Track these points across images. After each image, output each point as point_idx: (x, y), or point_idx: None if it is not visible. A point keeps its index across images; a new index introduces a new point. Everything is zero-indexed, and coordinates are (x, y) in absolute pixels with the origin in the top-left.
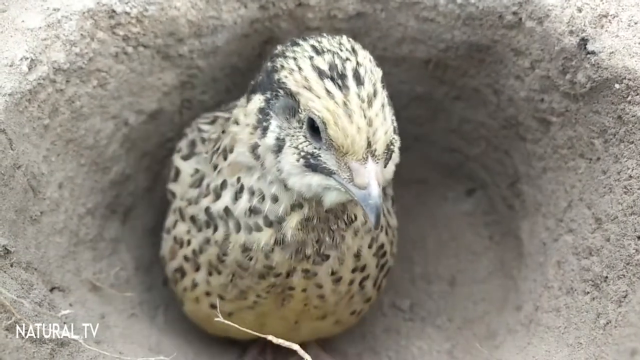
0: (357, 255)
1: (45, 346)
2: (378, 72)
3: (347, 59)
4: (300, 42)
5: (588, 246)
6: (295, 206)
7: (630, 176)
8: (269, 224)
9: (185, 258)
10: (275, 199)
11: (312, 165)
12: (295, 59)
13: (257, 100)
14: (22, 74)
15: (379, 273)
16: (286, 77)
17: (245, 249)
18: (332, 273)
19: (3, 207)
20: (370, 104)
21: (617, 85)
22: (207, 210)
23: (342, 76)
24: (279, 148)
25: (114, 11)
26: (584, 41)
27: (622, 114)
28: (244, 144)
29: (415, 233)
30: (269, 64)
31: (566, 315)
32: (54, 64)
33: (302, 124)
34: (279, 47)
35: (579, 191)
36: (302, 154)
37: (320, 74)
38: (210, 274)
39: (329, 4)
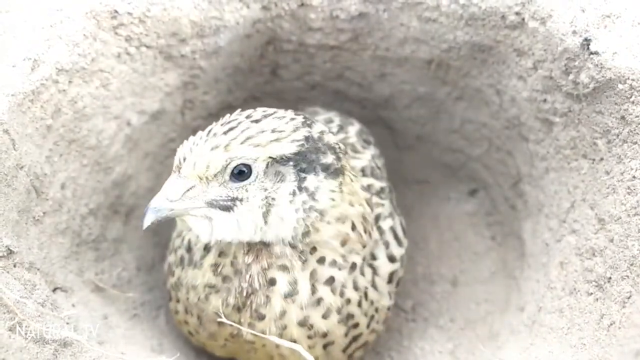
0: (305, 325)
1: (48, 347)
2: (266, 140)
3: (250, 115)
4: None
5: (591, 247)
6: (207, 246)
7: (634, 177)
8: (200, 262)
9: (172, 285)
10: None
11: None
12: None
13: None
14: (25, 74)
15: (350, 342)
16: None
17: (191, 287)
18: (281, 335)
19: (6, 207)
20: (207, 139)
21: (620, 86)
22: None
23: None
24: None
25: (116, 11)
26: (587, 41)
27: (625, 114)
28: None
29: (417, 233)
30: None
31: (569, 316)
32: (57, 65)
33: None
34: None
35: (581, 192)
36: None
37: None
38: (185, 311)
39: (332, 5)
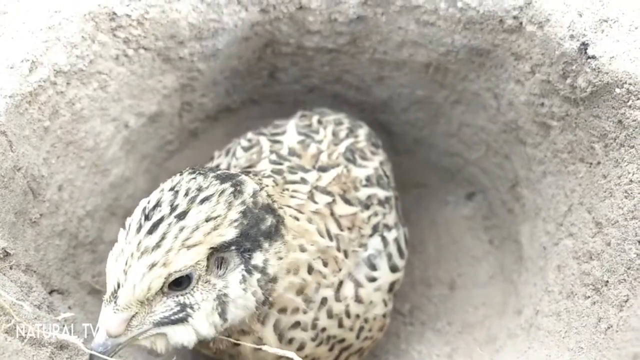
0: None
1: (44, 349)
2: (202, 233)
3: (173, 205)
4: (184, 171)
5: (588, 250)
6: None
7: (631, 180)
8: None
9: None
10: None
11: None
12: (162, 184)
13: None
14: (23, 75)
15: (341, 352)
16: None
17: None
18: None
19: (3, 209)
20: (140, 256)
21: (617, 90)
22: None
23: (147, 219)
24: None
25: (114, 13)
26: (584, 46)
27: (622, 118)
28: None
29: (415, 237)
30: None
31: (567, 320)
32: (55, 66)
33: None
34: (186, 167)
35: (579, 195)
36: None
37: (143, 209)
38: None
39: (330, 8)
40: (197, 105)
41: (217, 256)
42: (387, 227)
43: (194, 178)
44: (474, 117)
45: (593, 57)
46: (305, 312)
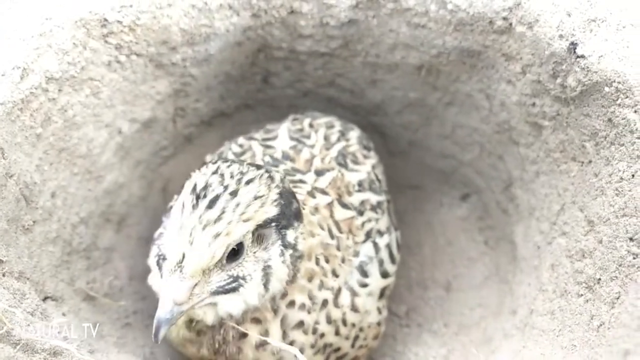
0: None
1: (37, 356)
2: (253, 209)
3: (225, 185)
4: (219, 161)
5: (581, 249)
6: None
7: (622, 178)
8: None
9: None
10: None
11: (159, 264)
12: (199, 171)
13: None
14: (14, 83)
15: None
16: (186, 182)
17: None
18: None
19: None
20: (204, 228)
21: (606, 89)
22: None
23: (203, 197)
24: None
25: (106, 20)
26: (573, 45)
27: (612, 116)
28: None
29: (410, 239)
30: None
31: (560, 318)
32: (47, 73)
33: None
34: (209, 157)
35: (571, 194)
36: (159, 252)
37: (193, 189)
38: None
39: (321, 12)
40: (191, 111)
41: (259, 232)
42: (380, 233)
43: (231, 165)
44: (467, 118)
45: (582, 57)
46: (309, 312)
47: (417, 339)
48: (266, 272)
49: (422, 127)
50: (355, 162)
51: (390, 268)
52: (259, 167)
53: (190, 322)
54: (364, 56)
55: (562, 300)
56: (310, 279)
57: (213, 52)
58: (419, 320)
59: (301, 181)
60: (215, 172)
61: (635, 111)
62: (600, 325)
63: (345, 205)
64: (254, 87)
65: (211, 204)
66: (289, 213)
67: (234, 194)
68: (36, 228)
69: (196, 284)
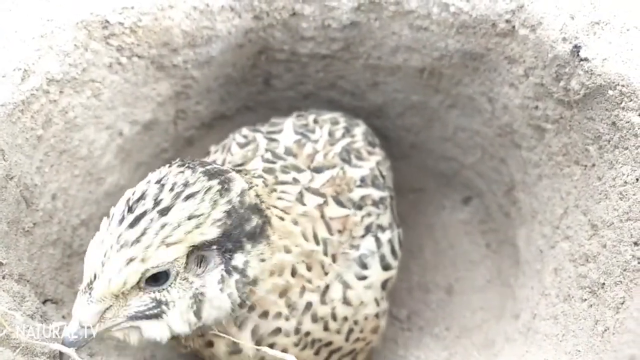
0: None
1: (37, 359)
2: (183, 231)
3: (157, 200)
4: (174, 163)
5: (584, 253)
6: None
7: (626, 182)
8: None
9: None
10: None
11: None
12: (149, 175)
13: None
14: (15, 84)
15: (330, 355)
16: None
17: None
18: None
19: None
20: (119, 249)
21: (610, 92)
22: None
23: (130, 211)
24: None
25: (107, 21)
26: (577, 48)
27: (616, 120)
28: None
29: (412, 242)
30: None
31: (564, 323)
32: (48, 75)
33: None
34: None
35: (574, 198)
36: None
37: (127, 200)
38: None
39: (323, 14)
40: (192, 113)
41: (198, 254)
42: (381, 228)
43: (182, 172)
44: (469, 121)
45: (586, 60)
46: (287, 319)
47: (418, 343)
48: (197, 299)
49: (424, 130)
50: (360, 158)
51: (393, 262)
52: (217, 174)
53: None
54: (365, 58)
55: (565, 304)
56: (282, 294)
57: (214, 54)
58: (421, 324)
59: (295, 180)
60: (158, 181)
61: (639, 114)
62: (605, 330)
63: (340, 203)
64: (255, 89)
65: (134, 223)
66: (238, 234)
67: (163, 212)
68: (36, 230)
69: (108, 308)
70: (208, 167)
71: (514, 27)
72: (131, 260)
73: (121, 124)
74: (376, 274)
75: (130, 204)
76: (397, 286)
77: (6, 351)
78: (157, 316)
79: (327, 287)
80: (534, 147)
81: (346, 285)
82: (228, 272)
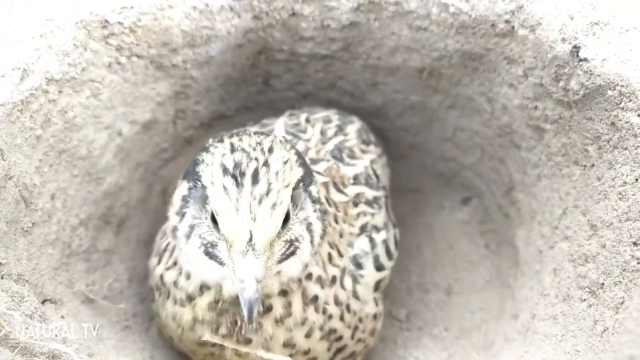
0: (289, 345)
1: (36, 359)
2: (288, 174)
3: (255, 158)
4: (225, 138)
5: (584, 253)
6: (204, 287)
7: (625, 182)
8: (189, 300)
9: (156, 286)
10: (188, 276)
11: (209, 253)
12: (212, 154)
13: (182, 188)
14: (14, 84)
15: (335, 354)
16: (202, 170)
17: (175, 319)
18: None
19: None
20: (260, 202)
21: (610, 92)
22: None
23: (242, 174)
24: (189, 234)
25: (107, 21)
26: (576, 48)
27: (615, 120)
28: (171, 224)
29: (411, 242)
30: (197, 155)
31: (563, 323)
32: (47, 74)
33: (207, 215)
34: (210, 140)
35: (573, 198)
36: (204, 242)
37: (224, 171)
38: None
39: (323, 14)
40: (191, 113)
41: (292, 195)
42: (376, 229)
43: (242, 139)
44: (468, 121)
45: (585, 60)
46: (322, 287)
47: (417, 343)
48: (309, 229)
49: (423, 130)
50: (352, 156)
51: (387, 263)
52: (262, 133)
53: (216, 303)
54: (365, 59)
55: (564, 305)
56: (331, 246)
57: (214, 54)
58: (420, 324)
59: None
60: (234, 150)
61: (639, 115)
62: (604, 330)
63: (340, 190)
64: (254, 89)
65: (255, 179)
66: (308, 170)
67: (266, 164)
68: (35, 230)
69: (268, 259)
70: (254, 131)
71: (513, 27)
72: (274, 205)
73: (120, 123)
74: (370, 274)
75: (233, 172)
76: (396, 286)
77: (5, 351)
78: (292, 253)
79: (343, 270)
80: (533, 148)
81: (354, 279)
82: (313, 202)
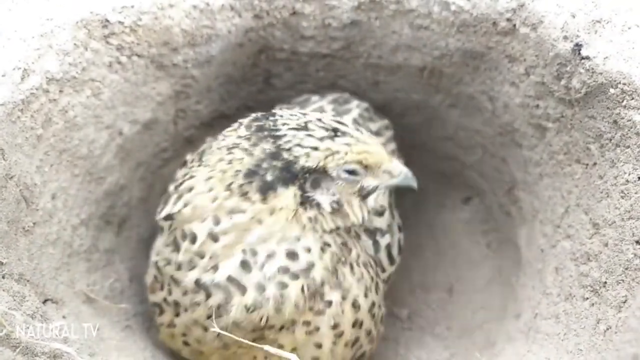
0: (355, 306)
1: (37, 359)
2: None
3: (323, 122)
4: (287, 132)
5: (586, 252)
6: (326, 245)
7: (627, 180)
8: (296, 276)
9: (166, 301)
10: (308, 250)
11: (365, 194)
12: (300, 145)
13: (289, 194)
14: (15, 83)
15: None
16: (306, 161)
17: (251, 308)
18: (334, 326)
19: None
20: (361, 132)
21: (612, 90)
22: (197, 281)
23: (335, 130)
24: (338, 206)
25: (107, 20)
26: (578, 46)
27: (617, 118)
28: (281, 224)
29: (412, 242)
30: (278, 163)
31: (565, 322)
32: (47, 74)
33: (338, 179)
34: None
35: (575, 197)
36: (359, 193)
37: (321, 139)
38: (193, 325)
39: (324, 13)
40: (192, 112)
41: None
42: (380, 232)
43: (291, 116)
44: (469, 120)
45: (587, 58)
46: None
47: (419, 342)
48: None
49: (424, 129)
50: None
51: (388, 267)
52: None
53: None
54: (366, 58)
55: (567, 303)
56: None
57: (214, 53)
58: (422, 324)
59: None
60: (304, 125)
61: None
62: (607, 329)
63: None
64: (255, 89)
65: (340, 123)
66: None
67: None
68: (36, 230)
69: None
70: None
71: (514, 25)
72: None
73: (121, 123)
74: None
75: (331, 130)
76: (397, 286)
77: (6, 351)
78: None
79: (358, 256)
80: (535, 146)
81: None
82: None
